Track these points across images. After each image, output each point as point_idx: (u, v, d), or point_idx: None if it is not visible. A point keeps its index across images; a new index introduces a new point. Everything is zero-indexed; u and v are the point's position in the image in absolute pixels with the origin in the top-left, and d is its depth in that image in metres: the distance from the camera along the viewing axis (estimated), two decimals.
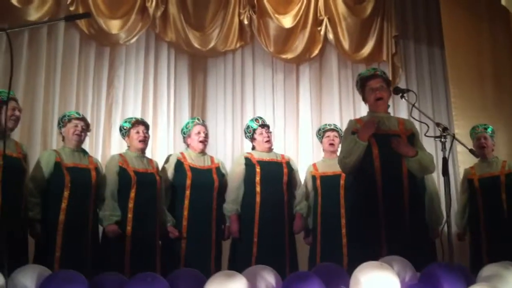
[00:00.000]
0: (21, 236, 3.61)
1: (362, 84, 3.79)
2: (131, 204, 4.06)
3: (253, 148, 4.60)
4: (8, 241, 3.41)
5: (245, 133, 4.67)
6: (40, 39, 5.01)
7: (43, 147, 4.62)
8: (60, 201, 3.83)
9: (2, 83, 4.52)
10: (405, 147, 3.54)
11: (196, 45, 5.67)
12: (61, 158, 3.96)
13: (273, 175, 4.42)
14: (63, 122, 4.13)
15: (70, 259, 3.71)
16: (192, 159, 4.40)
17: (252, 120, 4.66)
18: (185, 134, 4.51)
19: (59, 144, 4.37)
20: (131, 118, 4.43)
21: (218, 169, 4.47)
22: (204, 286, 2.78)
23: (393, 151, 3.52)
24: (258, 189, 4.36)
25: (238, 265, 3.55)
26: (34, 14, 4.84)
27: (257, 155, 4.50)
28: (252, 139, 4.59)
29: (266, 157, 4.50)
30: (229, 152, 5.57)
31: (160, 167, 4.36)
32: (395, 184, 3.49)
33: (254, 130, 4.56)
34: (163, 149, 5.12)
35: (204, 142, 4.48)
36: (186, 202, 4.27)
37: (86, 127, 4.17)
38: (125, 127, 4.30)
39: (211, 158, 4.54)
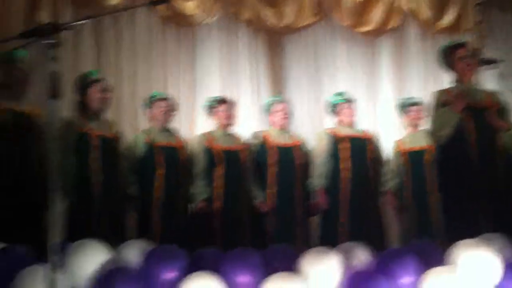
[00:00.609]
0: (121, 213, 3.78)
1: (449, 54, 3.66)
2: (219, 182, 4.15)
3: (336, 123, 4.57)
4: (110, 218, 3.65)
5: (328, 108, 4.64)
6: (121, 23, 5.14)
7: (131, 127, 4.78)
8: (153, 179, 3.98)
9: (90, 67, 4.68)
10: (498, 120, 3.42)
11: (271, 22, 5.65)
12: (150, 138, 4.09)
13: (359, 151, 4.39)
14: (149, 103, 4.25)
15: (167, 234, 3.85)
16: (276, 136, 4.44)
17: (335, 94, 4.63)
18: (267, 112, 4.55)
19: (145, 125, 4.51)
20: (217, 97, 4.50)
21: (301, 146, 4.48)
22: (298, 262, 2.84)
23: (487, 124, 3.40)
24: (343, 165, 4.34)
25: (327, 243, 3.57)
26: None
27: (341, 131, 4.47)
28: (336, 114, 4.55)
29: (350, 132, 4.47)
30: (309, 128, 5.55)
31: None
32: (489, 158, 3.39)
33: (338, 105, 4.52)
34: (245, 127, 5.17)
35: (286, 119, 4.49)
36: (271, 179, 4.32)
37: (172, 107, 4.28)
38: (210, 106, 4.39)
39: (294, 135, 4.56)
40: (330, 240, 3.91)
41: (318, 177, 4.37)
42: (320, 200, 4.32)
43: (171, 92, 5.12)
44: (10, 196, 3.26)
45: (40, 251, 2.88)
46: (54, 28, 1.95)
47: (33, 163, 3.42)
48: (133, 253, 2.73)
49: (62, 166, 3.42)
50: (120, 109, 4.94)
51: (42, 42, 1.94)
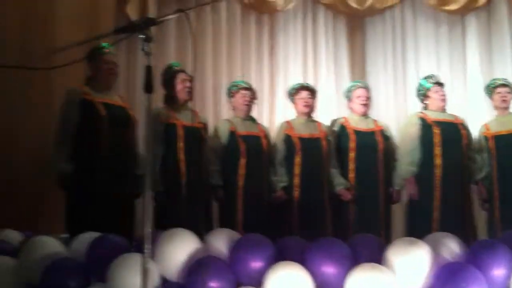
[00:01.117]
0: (206, 202, 3.88)
1: None
2: (297, 170, 4.15)
3: (426, 108, 4.41)
4: (196, 207, 3.76)
5: (418, 92, 4.47)
6: (205, 12, 5.23)
7: (214, 116, 4.88)
8: (237, 167, 4.03)
9: (175, 58, 4.80)
10: None
11: (353, 4, 5.54)
12: (234, 127, 4.14)
13: (452, 137, 4.20)
14: (231, 92, 4.30)
15: (250, 223, 3.90)
16: (356, 122, 4.36)
17: (425, 78, 4.45)
18: (347, 98, 4.48)
19: (228, 113, 4.57)
20: (297, 84, 4.48)
21: (382, 131, 4.37)
22: (385, 252, 2.78)
23: None
24: (437, 151, 4.17)
25: (417, 232, 3.48)
26: None
27: (432, 115, 4.29)
28: (425, 98, 4.39)
29: (441, 117, 4.29)
30: (392, 113, 5.42)
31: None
32: None
33: (428, 88, 4.35)
34: (325, 113, 5.12)
35: (366, 105, 4.39)
36: (351, 165, 4.25)
37: (254, 96, 4.31)
38: (291, 93, 4.38)
39: (375, 121, 4.45)
40: (418, 230, 3.80)
41: (407, 165, 4.22)
42: (410, 188, 4.20)
43: (252, 80, 5.17)
44: (106, 186, 3.43)
45: (131, 240, 3.03)
46: (147, 23, 1.99)
47: (127, 154, 3.58)
48: (221, 242, 2.78)
49: (151, 157, 3.55)
50: (204, 98, 5.05)
51: (137, 37, 1.99)
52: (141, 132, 3.81)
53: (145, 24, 1.99)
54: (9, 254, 2.93)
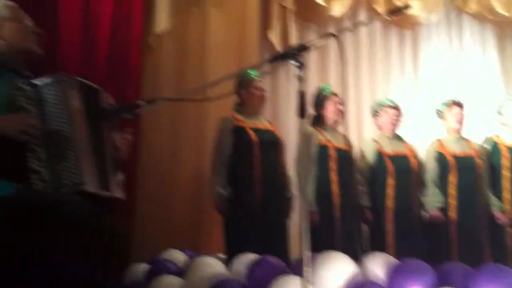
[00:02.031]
0: (357, 223, 3.85)
1: None
2: (452, 190, 3.97)
3: None
4: (348, 229, 3.74)
5: None
6: (343, 32, 5.22)
7: (357, 135, 4.83)
8: (385, 188, 3.94)
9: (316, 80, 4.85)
10: None
11: (501, 11, 5.22)
12: (381, 146, 4.07)
13: None
14: (376, 110, 4.24)
15: (402, 246, 3.79)
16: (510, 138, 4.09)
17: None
18: (500, 114, 4.22)
19: (371, 132, 4.50)
20: (450, 99, 4.29)
21: None
22: None
23: None
24: None
25: None
26: (337, 9, 5.05)
27: None
28: None
29: None
30: None
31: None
32: None
33: None
34: (478, 130, 4.85)
35: None
36: (506, 184, 3.99)
37: (399, 115, 4.21)
38: (441, 110, 4.22)
39: None
40: None
41: None
42: None
43: (393, 97, 5.06)
44: (260, 209, 3.55)
45: (287, 261, 3.10)
46: (301, 50, 2.05)
47: (278, 176, 3.68)
48: (378, 266, 2.73)
49: (305, 178, 3.62)
50: (346, 118, 5.02)
51: (291, 64, 2.05)
52: (292, 154, 3.92)
53: (298, 51, 2.04)
54: (175, 273, 3.12)
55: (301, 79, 2.02)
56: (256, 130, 3.67)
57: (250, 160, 3.59)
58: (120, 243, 2.08)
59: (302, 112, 2.01)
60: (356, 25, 2.70)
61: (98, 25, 3.98)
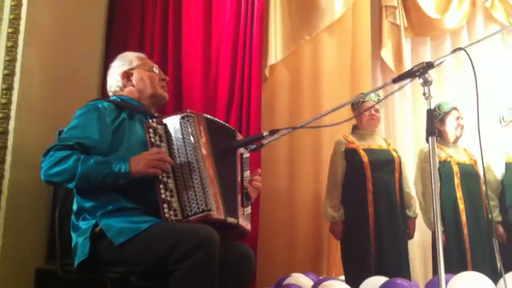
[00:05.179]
0: (491, 241, 3.65)
1: None
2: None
3: None
4: (482, 247, 3.57)
5: None
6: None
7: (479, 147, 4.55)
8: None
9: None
10: None
11: None
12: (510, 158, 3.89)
13: None
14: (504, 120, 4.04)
15: None
16: None
17: None
18: None
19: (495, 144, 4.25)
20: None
21: None
22: None
23: None
24: None
25: None
26: (452, 21, 4.89)
27: None
28: None
29: None
30: None
31: None
32: None
33: None
34: None
35: None
36: None
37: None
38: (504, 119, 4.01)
39: None
40: None
41: None
42: None
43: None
44: (379, 230, 3.52)
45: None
46: (427, 68, 2.03)
47: (394, 196, 3.62)
48: None
49: (429, 197, 3.53)
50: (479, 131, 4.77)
51: (419, 82, 2.02)
52: (412, 172, 3.86)
53: (425, 69, 2.02)
54: None
55: (427, 97, 2.00)
56: (369, 151, 3.67)
57: (362, 181, 3.59)
58: (250, 268, 2.19)
59: (431, 131, 1.98)
60: (485, 38, 2.59)
61: (219, 69, 4.27)
